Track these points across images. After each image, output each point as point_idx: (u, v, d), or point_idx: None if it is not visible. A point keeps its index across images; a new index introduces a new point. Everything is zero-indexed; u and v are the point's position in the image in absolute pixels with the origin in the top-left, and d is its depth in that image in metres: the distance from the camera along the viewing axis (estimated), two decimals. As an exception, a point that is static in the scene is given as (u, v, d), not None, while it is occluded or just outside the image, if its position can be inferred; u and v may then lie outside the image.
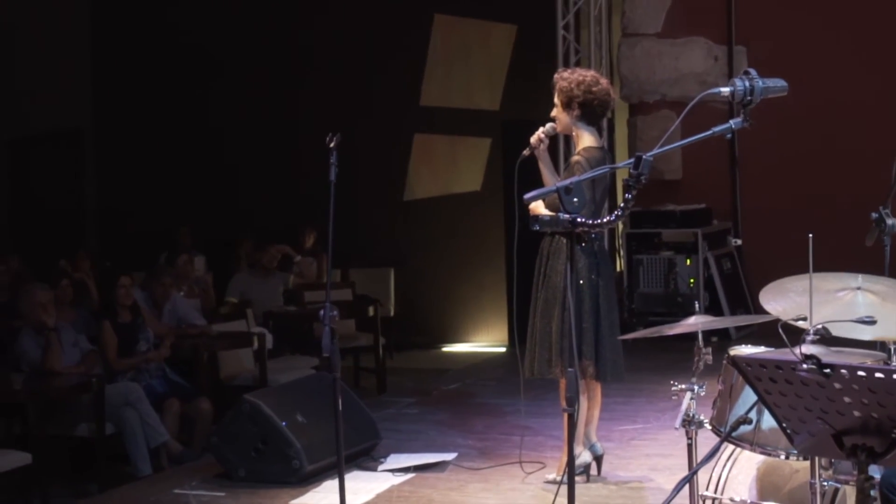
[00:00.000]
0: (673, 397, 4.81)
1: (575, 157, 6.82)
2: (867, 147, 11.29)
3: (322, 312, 5.18)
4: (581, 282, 6.68)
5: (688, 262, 11.69)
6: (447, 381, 10.39)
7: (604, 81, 6.94)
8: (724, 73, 12.36)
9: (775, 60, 10.99)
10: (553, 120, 6.98)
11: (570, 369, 4.22)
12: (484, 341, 13.98)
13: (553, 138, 7.11)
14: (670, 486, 6.87)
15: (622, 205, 4.14)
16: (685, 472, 7.08)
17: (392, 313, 13.86)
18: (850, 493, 4.51)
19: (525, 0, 13.39)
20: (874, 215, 5.39)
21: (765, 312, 4.74)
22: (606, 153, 7.06)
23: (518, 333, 7.14)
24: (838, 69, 11.38)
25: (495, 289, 13.19)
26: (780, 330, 4.00)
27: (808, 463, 4.65)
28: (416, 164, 14.71)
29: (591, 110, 6.86)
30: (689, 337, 5.20)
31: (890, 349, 5.06)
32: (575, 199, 4.20)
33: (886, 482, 3.99)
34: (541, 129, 6.93)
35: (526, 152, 6.90)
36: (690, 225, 11.71)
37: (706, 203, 12.03)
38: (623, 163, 4.22)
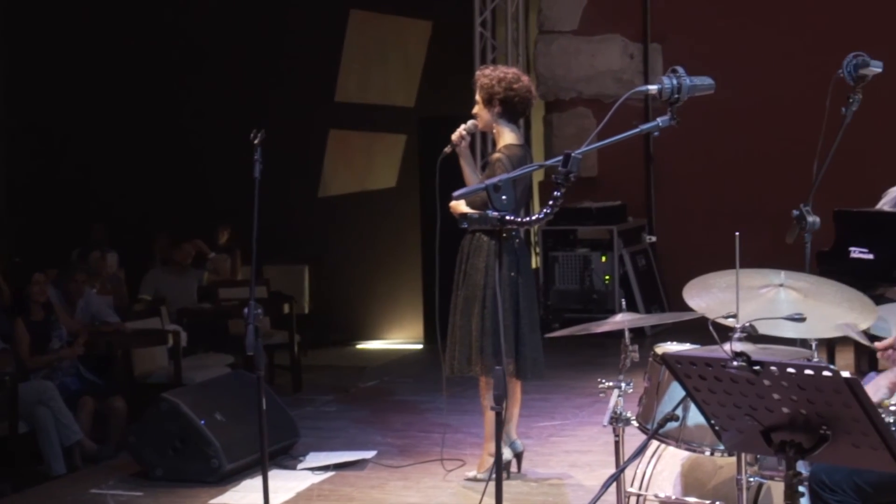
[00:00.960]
0: (601, 395, 4.82)
1: (496, 155, 6.81)
2: (784, 145, 11.43)
3: (246, 310, 5.13)
4: (511, 274, 6.68)
5: (603, 259, 11.75)
6: (365, 378, 10.36)
7: (525, 78, 6.94)
8: (640, 71, 12.45)
9: (691, 58, 11.00)
10: (474, 117, 6.97)
11: (497, 368, 4.20)
12: (399, 338, 13.95)
13: (472, 135, 7.09)
14: (590, 482, 6.93)
15: (551, 202, 4.12)
16: (605, 469, 7.15)
17: (307, 310, 13.79)
18: (773, 488, 4.55)
19: (442, -4, 13.40)
20: (795, 213, 5.44)
21: (684, 309, 4.77)
22: (527, 150, 7.06)
23: (438, 331, 7.12)
24: (755, 67, 11.48)
25: (411, 285, 13.16)
26: (711, 328, 4.01)
27: (731, 459, 4.68)
28: (332, 160, 14.65)
29: (512, 107, 6.86)
30: (605, 335, 5.23)
31: (811, 345, 5.12)
32: (504, 197, 4.17)
33: (815, 478, 4.02)
34: (462, 126, 6.92)
35: (447, 149, 6.88)
36: (606, 222, 11.77)
37: (621, 200, 12.10)
38: (552, 160, 4.21)
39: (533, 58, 12.82)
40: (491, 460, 6.84)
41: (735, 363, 3.51)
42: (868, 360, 8.08)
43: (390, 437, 8.10)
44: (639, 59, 12.53)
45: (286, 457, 7.54)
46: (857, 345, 7.67)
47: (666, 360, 3.75)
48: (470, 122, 6.95)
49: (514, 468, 6.99)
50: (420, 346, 12.28)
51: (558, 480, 7.01)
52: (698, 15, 12.10)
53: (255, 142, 5.26)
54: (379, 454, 7.61)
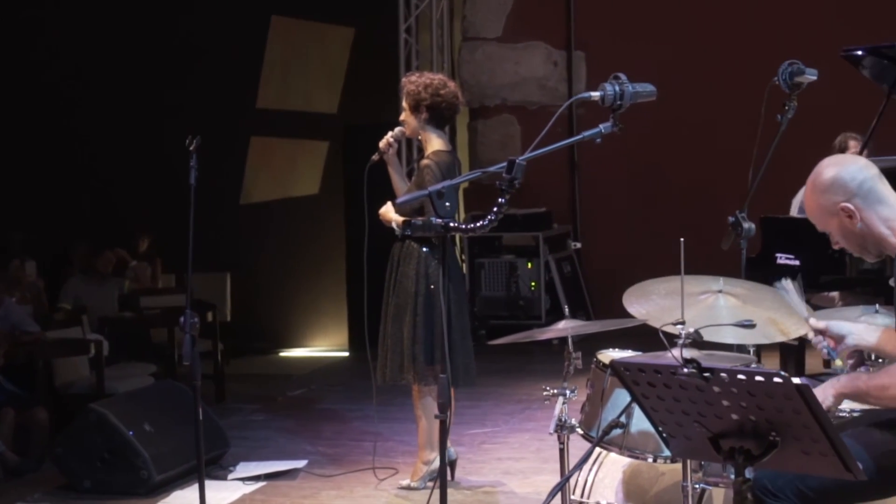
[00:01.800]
0: (545, 402, 4.79)
1: (424, 161, 6.78)
2: (716, 152, 11.54)
3: (183, 319, 5.06)
4: (432, 286, 6.65)
5: (529, 265, 11.77)
6: (292, 386, 10.29)
7: (451, 84, 6.92)
8: (564, 78, 12.51)
9: (614, 66, 11.03)
10: (401, 123, 6.94)
11: (442, 375, 4.16)
12: (323, 346, 13.86)
13: (399, 142, 7.05)
14: (524, 489, 6.92)
15: (496, 209, 4.10)
16: (538, 476, 7.17)
17: (228, 318, 13.65)
18: (716, 494, 4.56)
19: (364, 3, 13.31)
20: (731, 219, 5.47)
21: (609, 315, 4.77)
22: (455, 157, 7.04)
23: (367, 339, 7.08)
24: (681, 74, 11.52)
25: (335, 293, 13.08)
26: (661, 335, 4.01)
27: (673, 466, 4.69)
28: (254, 167, 14.52)
29: (439, 113, 6.83)
30: (535, 342, 5.22)
31: (749, 350, 5.15)
32: (448, 204, 4.15)
33: (758, 484, 4.01)
34: (389, 133, 6.89)
35: (375, 157, 6.85)
36: (532, 229, 11.79)
37: (547, 207, 12.12)
38: (496, 166, 4.18)
39: (457, 64, 12.82)
40: (425, 468, 6.82)
41: (685, 370, 3.51)
42: (794, 364, 8.14)
43: (320, 447, 8.04)
44: (563, 67, 12.57)
45: (216, 467, 7.45)
46: (782, 350, 7.73)
47: (614, 366, 3.73)
48: (397, 129, 6.92)
49: (448, 476, 6.95)
50: (345, 354, 12.22)
51: (492, 488, 7.00)
52: (622, 23, 12.17)
53: (191, 148, 5.19)
54: (310, 463, 7.55)
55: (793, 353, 8.05)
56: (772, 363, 8.42)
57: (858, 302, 8.29)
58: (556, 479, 6.90)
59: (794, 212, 8.88)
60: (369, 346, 6.78)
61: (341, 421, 8.80)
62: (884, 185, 4.10)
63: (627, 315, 4.78)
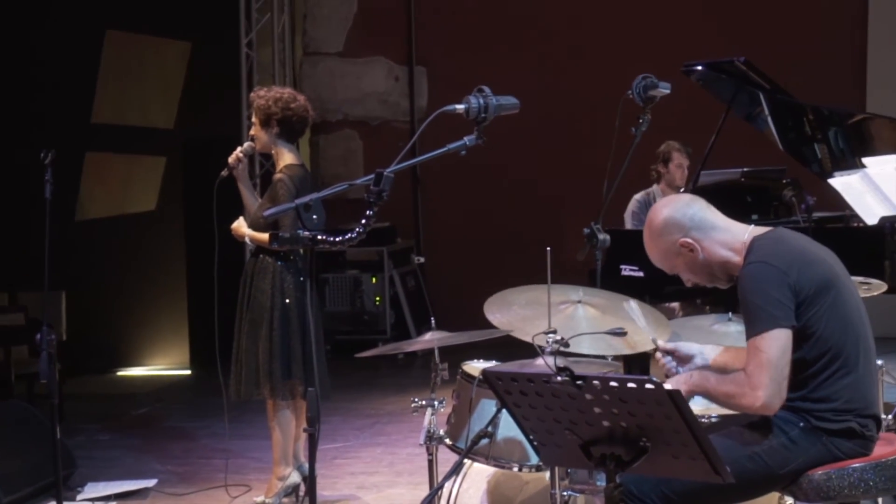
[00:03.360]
0: (413, 413, 4.81)
1: (277, 175, 6.75)
2: (559, 165, 11.71)
3: (39, 336, 4.95)
4: (287, 301, 6.62)
5: (373, 280, 11.79)
6: (136, 405, 10.12)
7: (301, 98, 6.91)
8: (406, 94, 12.57)
9: (456, 81, 11.19)
10: (251, 138, 6.90)
11: (311, 389, 4.17)
12: (163, 364, 13.64)
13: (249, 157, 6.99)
14: (379, 503, 6.92)
15: (364, 221, 4.10)
16: (392, 489, 7.19)
17: (65, 337, 13.36)
18: (580, 501, 4.62)
19: (201, 17, 13.17)
20: (586, 231, 5.54)
21: (452, 329, 4.81)
22: (307, 170, 7.02)
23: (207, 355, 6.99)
24: (523, 89, 11.60)
25: (174, 310, 12.91)
26: (536, 345, 4.06)
27: (538, 474, 4.75)
28: (89, 183, 14.23)
29: (290, 127, 6.81)
30: (378, 357, 5.23)
31: (608, 359, 5.24)
32: (314, 217, 4.15)
33: (624, 489, 4.07)
34: (239, 148, 6.84)
35: (224, 173, 6.80)
36: (375, 243, 11.79)
37: (390, 222, 12.15)
38: (363, 178, 4.19)
39: (299, 79, 12.78)
40: (279, 484, 6.77)
41: (558, 378, 3.56)
42: (639, 371, 8.28)
43: (170, 465, 7.93)
44: (404, 82, 12.64)
45: (64, 488, 7.27)
46: (626, 360, 7.86)
47: (486, 376, 3.76)
48: (246, 145, 6.87)
49: (302, 491, 6.92)
50: (187, 372, 12.06)
51: (347, 503, 6.98)
52: (463, 38, 12.27)
53: (46, 162, 5.09)
54: (160, 482, 7.44)
55: (637, 362, 8.17)
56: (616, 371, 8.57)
57: (698, 312, 8.52)
58: (411, 491, 7.00)
59: (628, 225, 9.07)
60: (221, 363, 6.71)
61: (190, 439, 8.69)
62: (712, 213, 4.27)
63: (473, 327, 4.85)
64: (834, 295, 4.08)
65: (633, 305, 4.39)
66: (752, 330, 4.01)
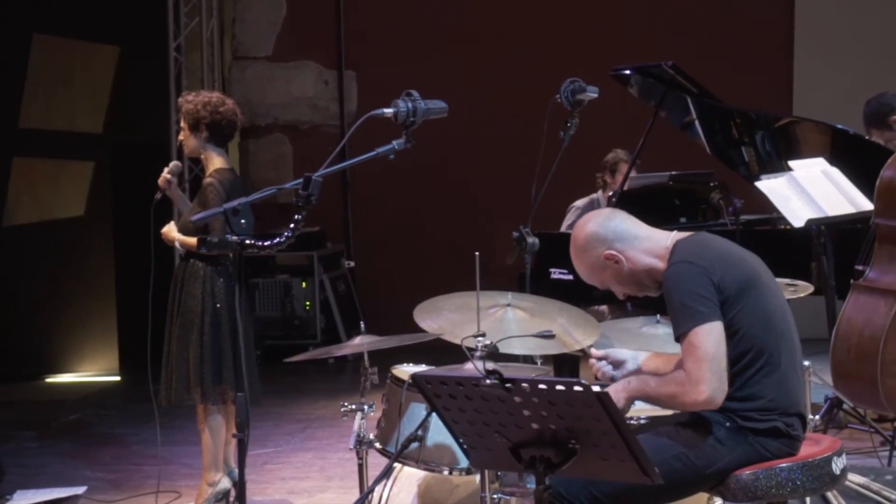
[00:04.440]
0: (343, 418, 4.81)
1: (207, 180, 6.70)
2: (489, 169, 11.74)
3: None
4: (218, 305, 6.59)
5: (304, 284, 11.75)
6: (65, 412, 10.03)
7: (230, 101, 6.87)
8: (336, 98, 12.56)
9: (385, 85, 11.18)
10: (178, 157, 6.88)
11: (240, 394, 4.16)
12: (92, 371, 13.52)
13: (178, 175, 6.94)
14: (310, 509, 6.92)
15: (292, 225, 4.10)
16: (323, 493, 7.18)
17: (-10, 344, 13.23)
18: (512, 504, 4.64)
19: (130, 22, 13.08)
20: (516, 234, 5.57)
21: (382, 333, 4.81)
22: (237, 175, 6.99)
23: (136, 361, 6.94)
24: (452, 93, 11.60)
25: (103, 316, 12.80)
26: (464, 348, 4.07)
27: (468, 478, 4.76)
28: (16, 188, 14.09)
29: (219, 131, 6.77)
30: (308, 361, 5.22)
31: (537, 361, 5.27)
32: (243, 221, 4.14)
33: (553, 491, 4.09)
34: (165, 169, 6.79)
35: (158, 196, 6.75)
36: (305, 248, 11.75)
37: (320, 226, 12.12)
38: (291, 183, 4.19)
39: (228, 83, 12.73)
40: (210, 490, 6.73)
41: (487, 381, 3.57)
42: (569, 373, 8.32)
43: (100, 472, 7.86)
44: (334, 86, 12.62)
45: (-8, 496, 7.23)
46: (556, 360, 7.90)
47: (415, 380, 3.77)
48: (172, 165, 6.84)
49: (232, 496, 6.89)
50: (117, 378, 11.96)
51: (278, 508, 6.98)
52: (393, 42, 12.28)
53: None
54: (90, 489, 7.37)
55: (567, 364, 8.21)
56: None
57: (626, 314, 8.58)
58: (342, 496, 6.99)
59: (566, 222, 9.09)
60: (151, 369, 6.67)
61: (120, 445, 8.62)
62: (634, 223, 4.33)
63: (403, 332, 4.86)
64: (756, 294, 4.14)
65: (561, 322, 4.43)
66: (682, 327, 4.05)
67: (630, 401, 4.17)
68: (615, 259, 4.26)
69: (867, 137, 7.34)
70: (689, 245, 4.21)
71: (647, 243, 4.28)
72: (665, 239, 4.29)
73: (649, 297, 4.37)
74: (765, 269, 4.29)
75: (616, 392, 4.12)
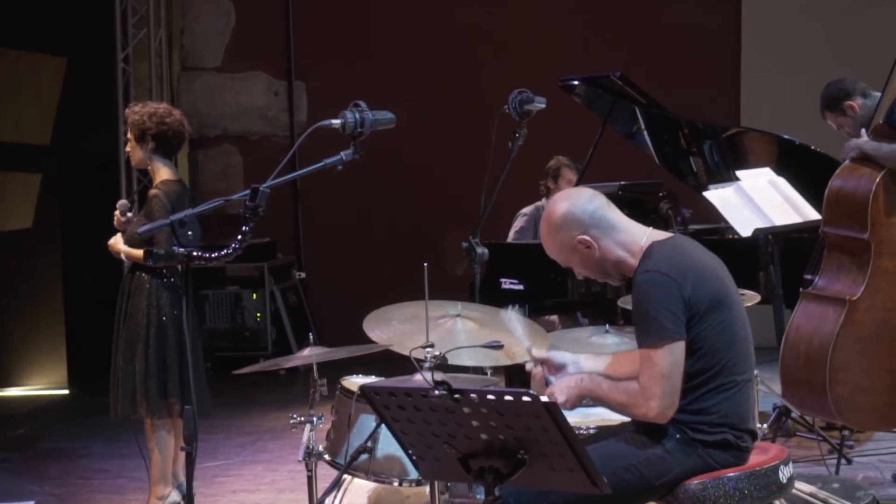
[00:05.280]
0: (292, 430, 4.78)
1: (152, 191, 6.66)
2: (439, 179, 11.74)
3: None
4: (164, 318, 6.55)
5: (254, 296, 11.69)
6: (12, 426, 9.93)
7: (177, 112, 6.85)
8: (285, 108, 12.52)
9: (336, 96, 11.15)
10: (128, 156, 6.85)
11: (187, 407, 4.14)
12: (40, 384, 13.41)
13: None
14: (260, 521, 6.88)
15: (240, 237, 4.08)
16: (275, 507, 7.14)
17: (-64, 358, 13.10)
18: (461, 514, 4.64)
19: (77, 33, 13.00)
20: (465, 244, 5.57)
21: (333, 344, 4.81)
22: (184, 186, 6.95)
23: (85, 374, 6.90)
24: (404, 104, 11.55)
25: (52, 329, 12.70)
26: (413, 359, 4.07)
27: (419, 489, 4.75)
28: (-38, 200, 13.99)
29: (166, 142, 6.74)
30: (258, 373, 5.20)
31: (487, 372, 5.27)
32: (190, 233, 4.12)
33: (504, 501, 4.09)
34: (116, 212, 6.74)
35: (116, 235, 6.72)
36: (255, 259, 11.69)
37: (270, 237, 12.07)
38: (238, 194, 4.17)
39: (177, 94, 12.67)
40: (158, 504, 6.70)
41: (436, 392, 3.57)
42: (520, 383, 8.33)
43: (47, 486, 7.78)
44: (284, 97, 12.59)
45: (-65, 513, 7.15)
46: (507, 371, 7.91)
47: (364, 391, 3.76)
48: (120, 204, 6.80)
49: (183, 510, 6.86)
50: (66, 392, 11.87)
51: (228, 521, 6.94)
52: (342, 52, 12.25)
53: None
54: (37, 504, 7.32)
55: (519, 375, 8.22)
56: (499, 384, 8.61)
57: (577, 324, 8.61)
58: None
59: (512, 231, 9.11)
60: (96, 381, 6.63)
61: (67, 459, 8.53)
62: (613, 211, 4.28)
63: (356, 343, 4.85)
64: (725, 313, 4.13)
65: (511, 315, 4.39)
66: (646, 339, 4.05)
67: (580, 398, 4.15)
68: (587, 244, 4.19)
69: (824, 119, 7.33)
70: (665, 251, 4.16)
71: (623, 236, 4.22)
72: (641, 236, 4.23)
73: (600, 308, 4.37)
74: (731, 282, 4.26)
75: (568, 387, 4.13)
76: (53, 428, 9.79)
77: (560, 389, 4.17)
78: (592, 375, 4.24)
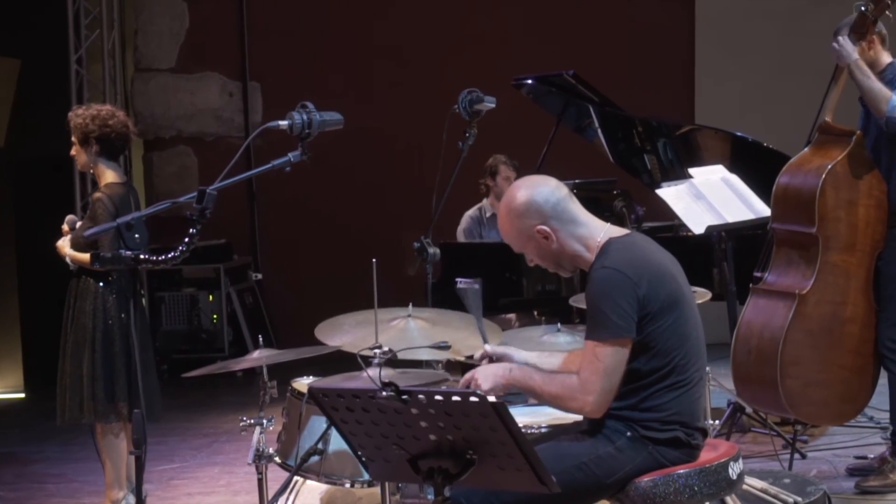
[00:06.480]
0: (242, 433, 4.77)
1: (96, 195, 6.57)
2: (392, 179, 11.74)
3: None
4: (110, 322, 6.49)
5: (210, 298, 11.65)
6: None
7: (120, 114, 6.77)
8: (240, 109, 12.48)
9: (290, 96, 11.11)
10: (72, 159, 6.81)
11: (136, 411, 4.12)
12: (-5, 388, 13.35)
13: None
14: (217, 524, 6.86)
15: (187, 239, 4.07)
16: (230, 509, 7.11)
17: None
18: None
19: (31, 34, 12.92)
20: (416, 245, 5.57)
21: (291, 345, 4.80)
22: (131, 188, 6.87)
23: (41, 377, 6.85)
24: (357, 104, 11.58)
25: (7, 332, 12.62)
26: (359, 358, 4.06)
27: (371, 489, 4.75)
28: (-84, 205, 13.88)
29: (109, 145, 6.67)
30: (215, 375, 5.19)
31: (437, 366, 5.27)
32: (137, 236, 4.11)
33: (455, 501, 4.10)
34: (64, 227, 6.65)
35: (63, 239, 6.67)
36: (212, 261, 11.65)
37: (227, 238, 12.03)
38: (185, 197, 4.16)
39: (131, 96, 12.61)
40: (114, 508, 6.66)
41: (384, 393, 3.56)
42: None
43: (1, 491, 7.73)
44: (238, 98, 12.55)
45: None
46: (464, 369, 7.91)
47: (312, 392, 3.75)
48: (67, 219, 6.72)
49: (136, 514, 6.81)
50: (21, 395, 11.80)
51: (183, 524, 6.92)
52: (297, 53, 12.22)
53: None
54: (-10, 509, 7.28)
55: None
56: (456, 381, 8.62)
57: (534, 322, 8.62)
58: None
59: (461, 238, 9.13)
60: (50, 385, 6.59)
61: (22, 463, 8.48)
62: (574, 204, 4.26)
63: (314, 344, 4.83)
64: (678, 313, 4.12)
65: (468, 291, 4.38)
66: (594, 334, 4.05)
67: (506, 389, 4.13)
68: (545, 235, 4.17)
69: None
70: (621, 248, 4.15)
71: (582, 230, 4.20)
72: (599, 231, 4.22)
73: (556, 307, 4.35)
74: (685, 282, 4.25)
75: (495, 375, 4.11)
76: (8, 432, 9.73)
77: (485, 377, 4.13)
78: (523, 367, 4.22)
